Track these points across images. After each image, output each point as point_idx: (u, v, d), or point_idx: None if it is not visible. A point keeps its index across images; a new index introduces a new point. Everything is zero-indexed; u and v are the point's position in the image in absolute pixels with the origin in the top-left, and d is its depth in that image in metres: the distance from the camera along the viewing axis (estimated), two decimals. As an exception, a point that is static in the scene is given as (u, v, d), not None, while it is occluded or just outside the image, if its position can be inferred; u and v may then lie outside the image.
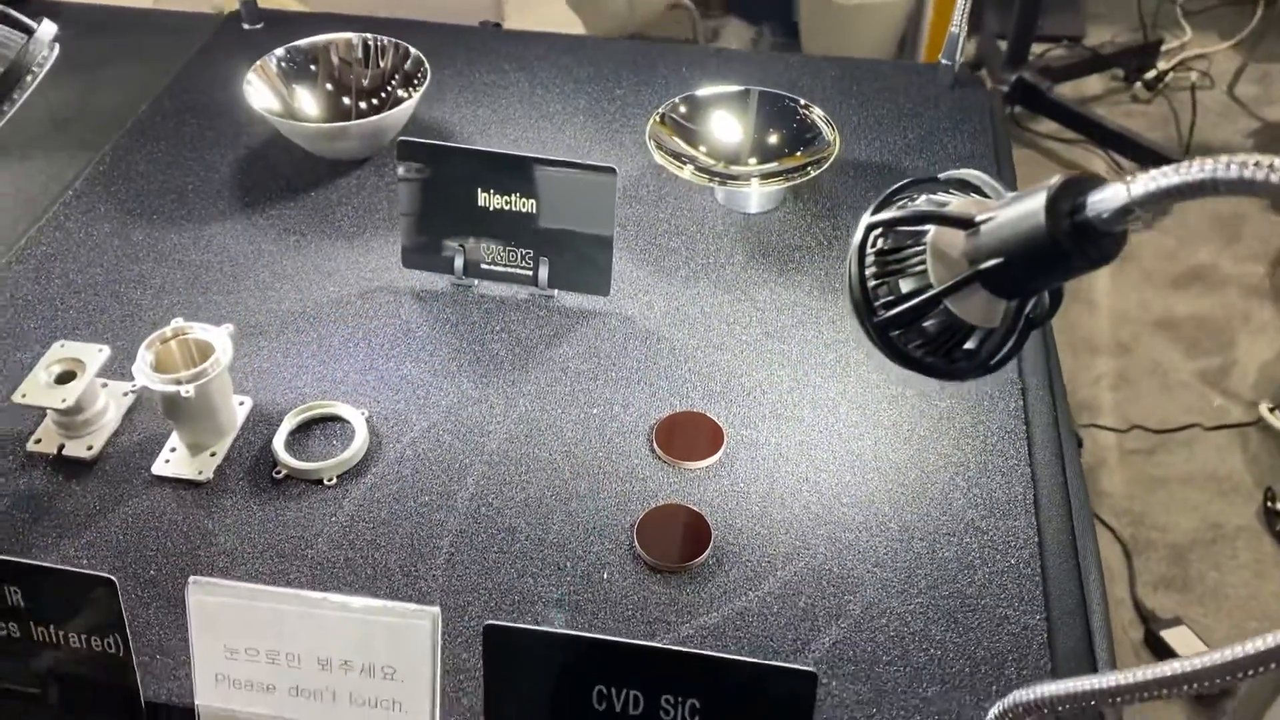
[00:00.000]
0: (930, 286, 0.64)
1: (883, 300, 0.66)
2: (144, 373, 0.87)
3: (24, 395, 0.90)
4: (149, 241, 1.15)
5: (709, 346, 1.04)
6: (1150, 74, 2.78)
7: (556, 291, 1.09)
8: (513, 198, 1.05)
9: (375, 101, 1.26)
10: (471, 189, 1.05)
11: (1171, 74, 2.80)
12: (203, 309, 1.06)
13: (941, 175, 0.71)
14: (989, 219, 0.63)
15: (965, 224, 0.64)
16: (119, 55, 1.45)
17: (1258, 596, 1.76)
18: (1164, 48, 2.83)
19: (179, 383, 0.87)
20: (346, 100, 1.26)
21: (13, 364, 1.02)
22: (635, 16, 2.66)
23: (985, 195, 0.68)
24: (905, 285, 0.66)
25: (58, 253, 1.13)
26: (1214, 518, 1.88)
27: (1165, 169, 0.51)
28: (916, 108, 1.35)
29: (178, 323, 0.91)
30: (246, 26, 1.47)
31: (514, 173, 1.04)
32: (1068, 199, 0.58)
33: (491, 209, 1.05)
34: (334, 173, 1.24)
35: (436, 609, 0.71)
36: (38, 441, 0.93)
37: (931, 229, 0.65)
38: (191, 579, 0.72)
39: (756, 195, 1.18)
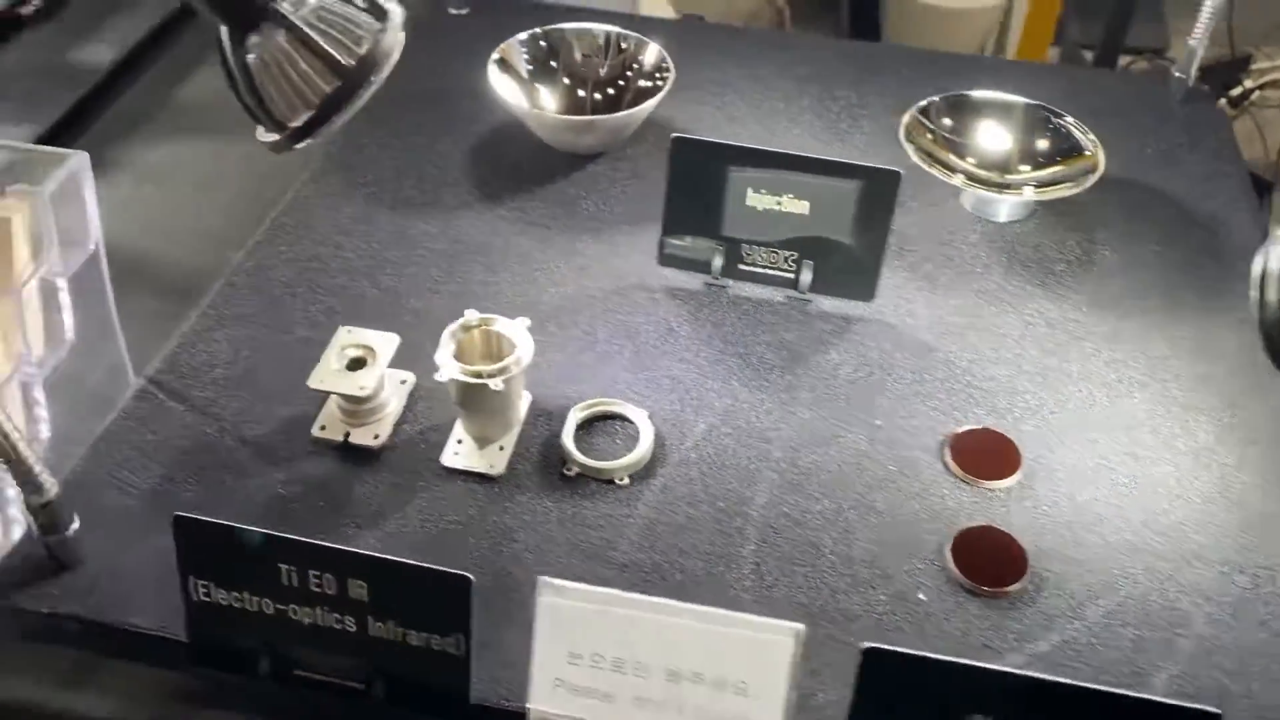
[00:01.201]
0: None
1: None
2: (449, 363, 0.86)
3: (321, 381, 0.89)
4: (394, 228, 1.13)
5: (984, 360, 1.01)
6: (1236, 90, 2.71)
7: (813, 296, 1.06)
8: (784, 198, 1.02)
9: (611, 92, 1.24)
10: (742, 188, 1.03)
11: (1258, 92, 2.72)
12: (461, 298, 1.04)
13: None
14: None
15: None
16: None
17: None
18: (1254, 65, 2.75)
19: (480, 375, 0.86)
20: (582, 93, 1.24)
21: (275, 344, 1.00)
22: (732, 10, 2.63)
23: None
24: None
25: (305, 234, 1.12)
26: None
27: None
28: (1147, 122, 1.31)
29: (472, 313, 0.90)
30: (453, 11, 1.46)
31: (788, 172, 1.01)
32: None
33: (760, 209, 1.03)
34: (570, 166, 1.21)
35: (800, 626, 0.68)
36: (322, 428, 0.92)
37: None
38: (541, 579, 0.70)
39: (1008, 204, 1.15)
